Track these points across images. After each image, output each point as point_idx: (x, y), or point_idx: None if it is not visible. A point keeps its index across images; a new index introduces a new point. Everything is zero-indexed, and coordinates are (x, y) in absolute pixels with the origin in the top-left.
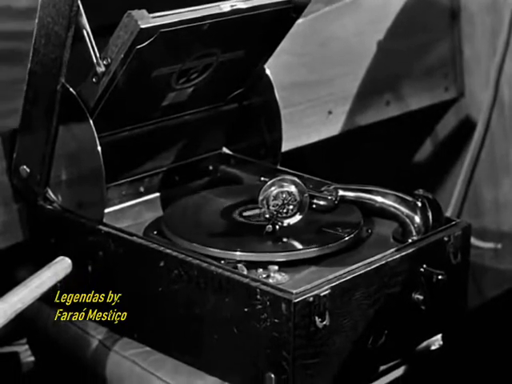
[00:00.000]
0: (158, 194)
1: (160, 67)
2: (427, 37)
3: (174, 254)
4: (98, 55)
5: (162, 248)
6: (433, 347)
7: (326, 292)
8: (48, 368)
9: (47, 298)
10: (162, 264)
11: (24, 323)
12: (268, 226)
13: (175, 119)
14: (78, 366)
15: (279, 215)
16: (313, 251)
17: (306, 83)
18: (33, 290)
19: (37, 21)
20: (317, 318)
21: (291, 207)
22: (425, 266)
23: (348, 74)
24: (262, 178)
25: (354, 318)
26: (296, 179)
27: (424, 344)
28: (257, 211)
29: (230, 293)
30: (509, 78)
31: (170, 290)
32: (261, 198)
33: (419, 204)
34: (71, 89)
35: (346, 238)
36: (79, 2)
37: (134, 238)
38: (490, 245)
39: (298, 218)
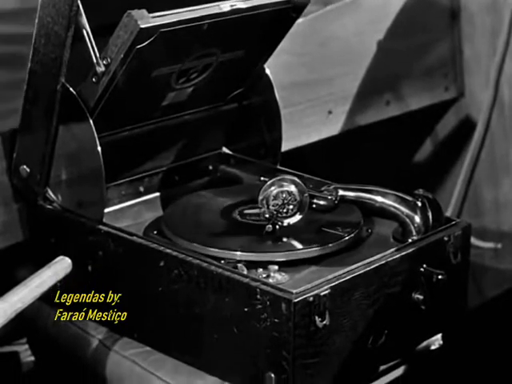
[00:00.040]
0: (157, 194)
1: (160, 67)
2: (427, 37)
3: (174, 253)
4: (97, 55)
5: (162, 248)
6: (433, 347)
7: (326, 292)
8: (48, 368)
9: (47, 297)
10: (162, 264)
11: (24, 323)
12: (268, 226)
13: (175, 119)
14: (78, 366)
15: (279, 215)
16: (313, 251)
17: (306, 83)
18: (33, 289)
19: (37, 20)
20: (317, 317)
21: (291, 207)
22: (425, 265)
23: (348, 74)
24: (262, 178)
25: (353, 318)
26: (296, 179)
27: (424, 344)
28: (257, 211)
29: (230, 292)
30: (509, 78)
31: (170, 290)
32: (261, 197)
33: (419, 204)
34: (71, 89)
35: (346, 238)
36: (79, 2)
37: (134, 238)
38: (489, 245)
39: (297, 217)
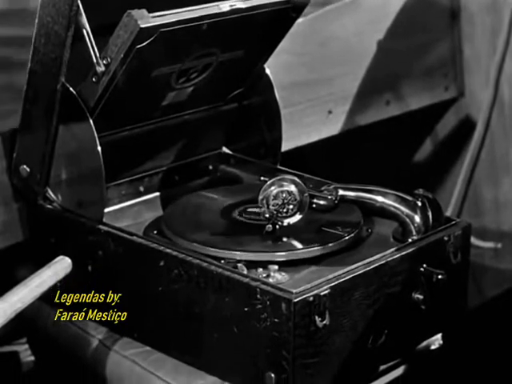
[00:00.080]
0: (157, 194)
1: (160, 67)
2: (427, 37)
3: (174, 253)
4: (97, 55)
5: (161, 247)
6: (433, 347)
7: (326, 291)
8: (48, 368)
9: (47, 297)
10: (161, 263)
11: (24, 323)
12: (268, 226)
13: (175, 119)
14: (78, 366)
15: (279, 215)
16: (313, 251)
17: (306, 83)
18: (33, 289)
19: (37, 20)
20: (317, 317)
21: (291, 207)
22: (425, 265)
23: (348, 74)
24: (262, 178)
25: (353, 318)
26: (296, 179)
27: (424, 343)
28: (257, 210)
29: (230, 292)
30: (509, 78)
31: (170, 290)
32: (261, 197)
33: (419, 204)
34: (71, 88)
35: (346, 238)
36: (79, 2)
37: (134, 238)
38: (489, 244)
39: (298, 217)
